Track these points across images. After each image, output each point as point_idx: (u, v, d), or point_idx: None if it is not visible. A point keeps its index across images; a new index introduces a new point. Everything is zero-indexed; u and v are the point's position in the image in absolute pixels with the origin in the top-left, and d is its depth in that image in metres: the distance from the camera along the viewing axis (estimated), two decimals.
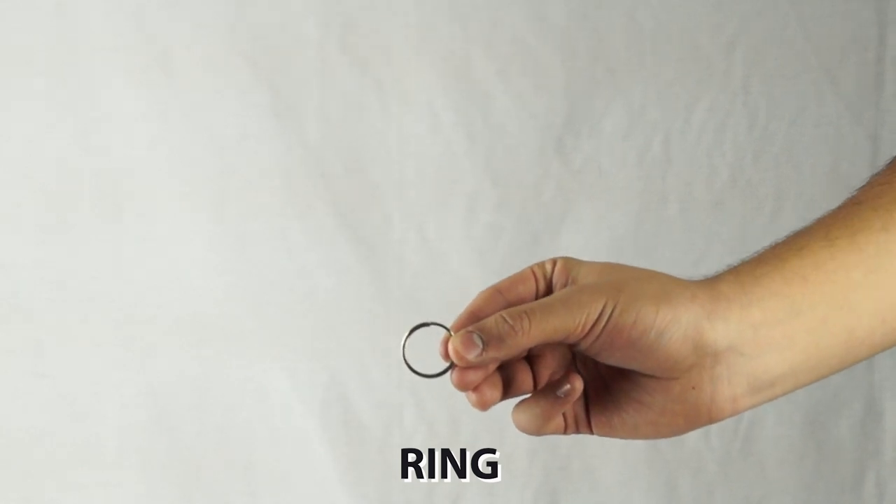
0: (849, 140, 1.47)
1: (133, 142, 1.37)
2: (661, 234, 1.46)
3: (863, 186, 0.74)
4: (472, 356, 0.66)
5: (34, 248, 1.36)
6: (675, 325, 0.66)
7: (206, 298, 1.39)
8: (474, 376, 0.67)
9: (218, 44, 1.38)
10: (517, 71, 1.43)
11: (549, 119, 1.43)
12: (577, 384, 0.67)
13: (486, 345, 0.66)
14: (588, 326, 0.65)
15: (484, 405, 0.68)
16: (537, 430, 0.69)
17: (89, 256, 1.37)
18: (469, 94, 1.42)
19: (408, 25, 1.41)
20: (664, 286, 0.67)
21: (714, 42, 1.45)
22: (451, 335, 0.67)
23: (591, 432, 0.70)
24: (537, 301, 0.67)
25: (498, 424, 1.42)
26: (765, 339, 0.67)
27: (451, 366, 0.67)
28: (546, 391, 0.68)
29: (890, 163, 0.76)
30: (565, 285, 0.69)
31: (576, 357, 0.71)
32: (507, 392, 0.69)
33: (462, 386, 0.67)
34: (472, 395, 0.68)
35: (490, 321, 0.66)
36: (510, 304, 0.68)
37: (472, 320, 0.67)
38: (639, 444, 1.46)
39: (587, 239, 1.44)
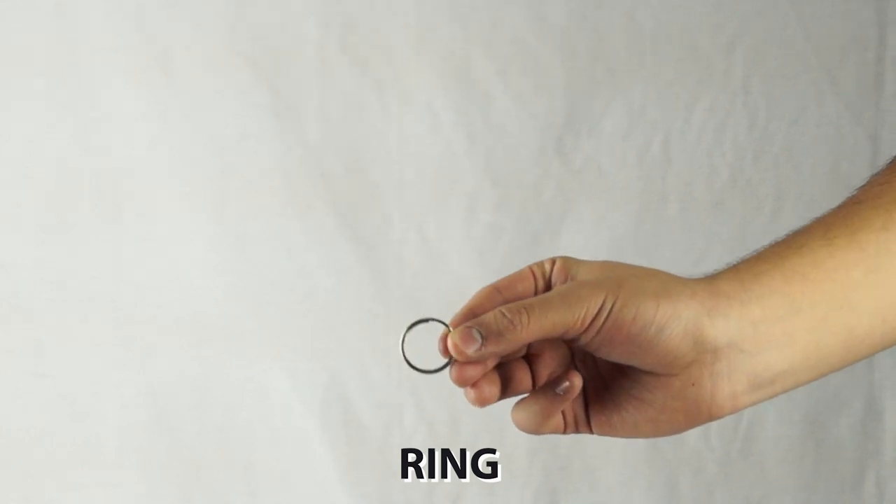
0: (849, 140, 1.47)
1: (133, 142, 1.37)
2: (661, 234, 1.46)
3: (862, 186, 0.74)
4: (471, 351, 0.66)
5: (34, 248, 1.36)
6: (675, 321, 0.66)
7: (206, 298, 1.39)
8: (473, 372, 0.67)
9: (218, 44, 1.38)
10: (517, 71, 1.43)
11: (549, 119, 1.43)
12: (577, 381, 0.67)
13: (485, 339, 0.66)
14: (587, 321, 0.65)
15: (482, 402, 0.68)
16: (536, 429, 0.69)
17: (89, 256, 1.37)
18: (469, 94, 1.42)
19: (408, 25, 1.41)
20: (664, 283, 0.67)
21: (714, 42, 1.45)
22: (449, 331, 0.67)
23: (591, 432, 0.70)
24: (536, 297, 0.67)
25: (498, 424, 1.42)
26: (765, 336, 0.67)
27: (450, 362, 0.67)
28: (545, 389, 0.68)
29: (890, 163, 0.76)
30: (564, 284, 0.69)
31: (574, 356, 0.71)
32: (506, 391, 0.69)
33: (461, 382, 0.67)
34: (471, 392, 0.68)
35: (489, 316, 0.66)
36: (508, 302, 0.68)
37: (471, 317, 0.68)
38: (639, 444, 1.46)
39: (587, 239, 1.44)
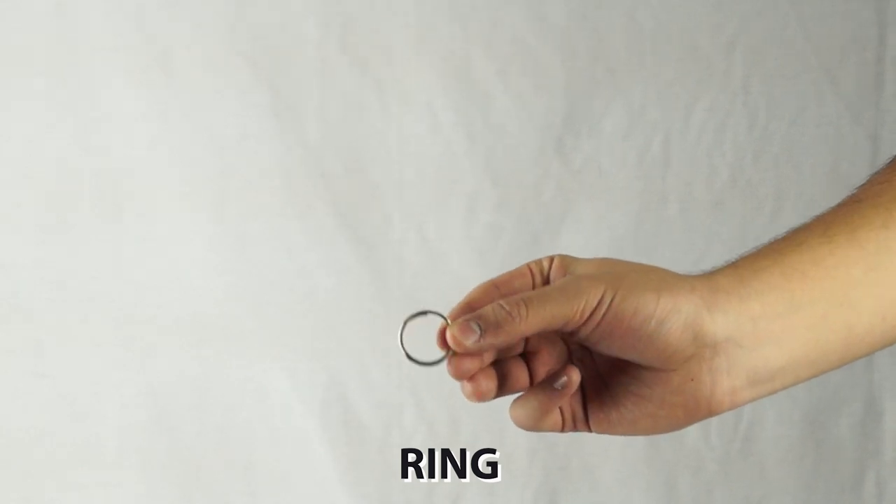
0: (849, 140, 1.47)
1: (133, 142, 1.37)
2: (661, 234, 1.46)
3: (862, 185, 0.74)
4: (469, 342, 0.66)
5: (34, 248, 1.36)
6: (675, 315, 0.66)
7: (206, 298, 1.39)
8: (470, 365, 0.67)
9: (218, 44, 1.38)
10: (517, 71, 1.43)
11: (548, 119, 1.43)
12: (574, 376, 0.67)
13: (483, 331, 0.66)
14: (587, 313, 0.65)
15: (479, 396, 0.68)
16: (534, 425, 0.69)
17: (89, 256, 1.37)
18: (469, 94, 1.42)
19: (408, 25, 1.41)
20: (664, 277, 0.67)
21: (714, 42, 1.45)
22: (448, 324, 0.67)
23: (589, 429, 0.70)
24: (535, 290, 0.67)
25: (498, 424, 1.42)
26: (764, 332, 0.67)
27: (448, 355, 0.67)
28: (543, 385, 0.68)
29: (890, 162, 0.76)
30: None
31: (572, 355, 0.71)
32: (504, 388, 0.69)
33: (458, 374, 0.67)
34: (468, 386, 0.68)
35: (487, 309, 0.66)
36: None
37: (468, 311, 0.68)
38: (638, 444, 1.46)
39: (587, 239, 1.44)
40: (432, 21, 1.41)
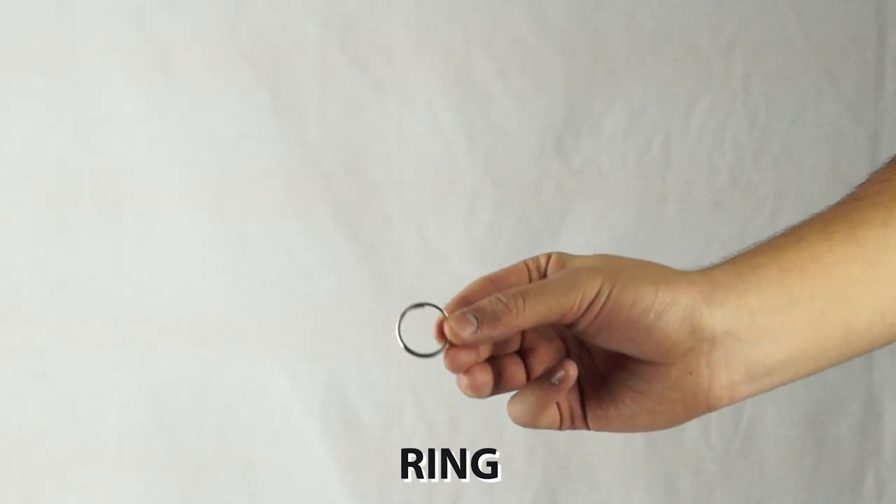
0: (849, 140, 1.47)
1: (133, 142, 1.37)
2: (661, 234, 1.46)
3: (862, 184, 0.74)
4: (466, 334, 0.66)
5: (34, 248, 1.36)
6: (674, 307, 0.66)
7: (206, 298, 1.39)
8: (467, 357, 0.67)
9: (218, 44, 1.38)
10: (517, 71, 1.43)
11: (548, 119, 1.44)
12: (571, 370, 0.67)
13: (480, 323, 0.66)
14: (584, 305, 0.65)
15: (475, 388, 0.68)
16: (532, 422, 0.69)
17: (89, 256, 1.37)
18: (469, 94, 1.42)
19: (408, 25, 1.41)
20: (662, 271, 0.67)
21: (714, 42, 1.45)
22: (445, 316, 0.67)
23: (587, 427, 0.70)
24: (533, 283, 0.67)
25: (498, 424, 1.42)
26: (762, 326, 0.67)
27: (445, 347, 0.67)
28: (541, 379, 0.68)
29: (889, 161, 0.76)
30: None
31: (570, 352, 0.71)
32: (501, 386, 0.69)
33: (454, 367, 0.67)
34: (464, 379, 0.68)
35: (485, 301, 0.67)
36: None
37: (464, 305, 0.68)
38: (638, 444, 1.46)
39: (587, 239, 1.44)
40: (432, 21, 1.41)
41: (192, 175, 1.38)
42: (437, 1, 1.41)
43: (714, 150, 1.46)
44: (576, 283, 0.66)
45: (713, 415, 1.46)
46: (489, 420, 1.42)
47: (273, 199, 1.39)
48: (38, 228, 1.36)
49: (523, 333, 0.70)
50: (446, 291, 1.46)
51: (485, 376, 0.68)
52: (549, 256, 0.70)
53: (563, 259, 0.70)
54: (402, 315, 0.70)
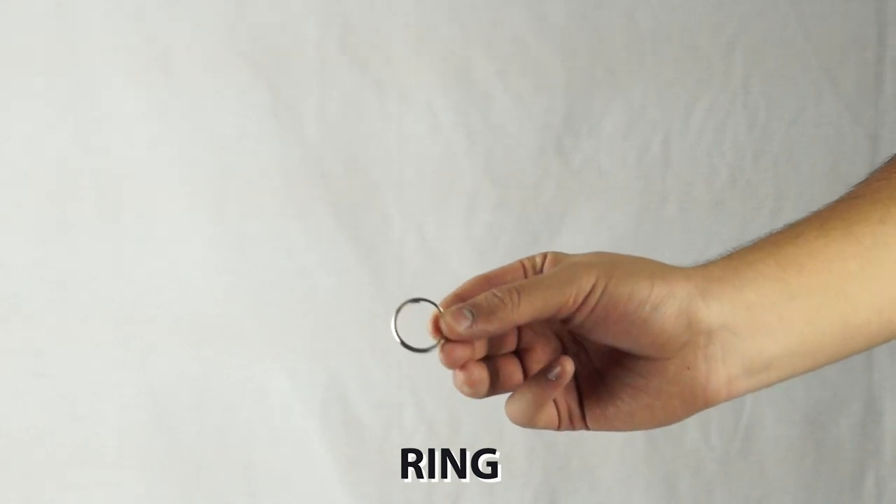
0: (848, 140, 1.47)
1: (133, 142, 1.37)
2: (660, 234, 1.46)
3: (861, 182, 0.74)
4: (462, 328, 0.66)
5: (34, 248, 1.36)
6: (670, 300, 0.66)
7: (206, 298, 1.39)
8: (462, 352, 0.67)
9: (218, 44, 1.38)
10: (517, 71, 1.43)
11: (548, 119, 1.44)
12: (568, 366, 0.67)
13: (475, 317, 0.66)
14: (580, 299, 0.65)
15: (471, 384, 0.68)
16: (530, 420, 0.69)
17: (89, 256, 1.37)
18: (469, 94, 1.42)
19: (408, 25, 1.41)
20: (658, 266, 0.68)
21: (714, 42, 1.46)
22: (440, 311, 0.67)
23: (586, 427, 0.70)
24: (528, 279, 0.67)
25: (498, 424, 1.42)
26: (759, 320, 0.67)
27: (440, 343, 0.67)
28: (537, 376, 0.68)
29: (889, 160, 0.76)
30: None
31: (567, 350, 0.71)
32: (498, 386, 0.69)
33: (449, 362, 0.67)
34: (460, 375, 0.68)
35: (480, 297, 0.67)
36: None
37: (460, 302, 0.68)
38: (638, 444, 1.46)
39: (587, 239, 1.44)
40: (432, 21, 1.41)
41: (192, 175, 1.38)
42: (437, 1, 1.41)
43: (714, 150, 1.46)
44: (571, 277, 0.66)
45: (713, 415, 1.46)
46: (489, 420, 1.42)
47: (273, 199, 1.39)
48: (38, 228, 1.36)
49: (520, 333, 0.70)
50: (446, 291, 1.47)
51: (481, 372, 0.68)
52: (544, 256, 0.70)
53: (559, 258, 0.70)
54: (398, 310, 0.70)
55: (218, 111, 1.38)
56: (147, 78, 1.37)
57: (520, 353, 0.70)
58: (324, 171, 1.40)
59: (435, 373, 0.73)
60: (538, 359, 0.70)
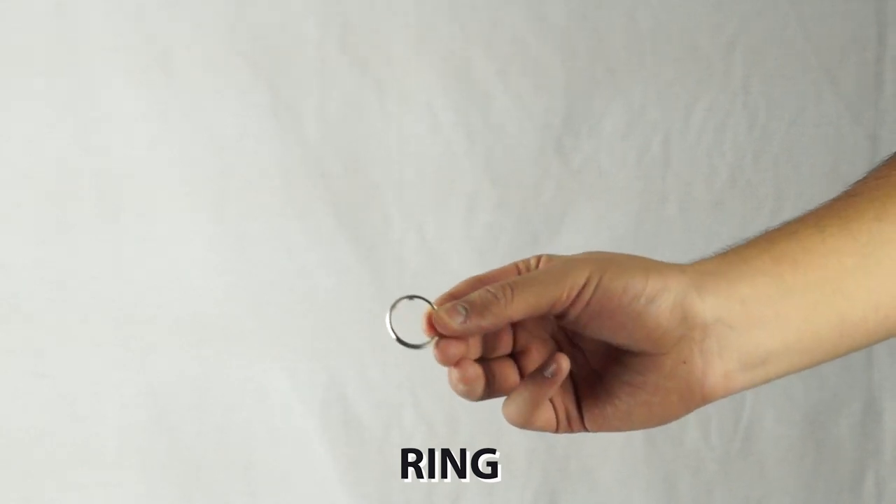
0: (848, 140, 1.47)
1: (133, 142, 1.37)
2: (660, 234, 1.46)
3: (858, 181, 0.74)
4: (456, 323, 0.66)
5: (34, 248, 1.36)
6: (665, 293, 0.66)
7: (206, 298, 1.39)
8: (456, 349, 0.67)
9: (218, 44, 1.38)
10: (517, 71, 1.43)
11: (548, 119, 1.44)
12: (564, 363, 0.67)
13: (469, 313, 0.66)
14: (574, 293, 0.66)
15: (466, 382, 0.68)
16: (527, 420, 0.69)
17: (89, 256, 1.37)
18: (469, 94, 1.42)
19: (408, 25, 1.41)
20: (652, 261, 0.68)
21: (714, 42, 1.46)
22: (434, 308, 0.67)
23: (584, 428, 0.70)
24: (522, 275, 0.68)
25: (497, 424, 1.41)
26: (754, 314, 0.68)
27: (434, 340, 0.67)
28: (533, 375, 0.68)
29: (887, 159, 0.76)
30: None
31: (562, 352, 0.71)
32: (494, 388, 0.69)
33: (444, 359, 0.67)
34: (454, 372, 0.68)
35: (474, 294, 0.67)
36: None
37: (453, 300, 0.68)
38: (638, 444, 1.46)
39: (587, 239, 1.44)
40: (432, 21, 1.41)
41: (192, 175, 1.38)
42: (437, 1, 1.41)
43: (714, 150, 1.46)
44: (565, 272, 0.66)
45: (713, 415, 1.46)
46: (489, 420, 1.42)
47: (273, 199, 1.39)
48: (38, 228, 1.36)
49: (515, 335, 0.70)
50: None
51: (475, 370, 0.68)
52: (538, 258, 0.70)
53: (554, 260, 0.70)
54: (393, 306, 0.70)
55: (218, 111, 1.38)
56: (147, 78, 1.37)
57: (515, 356, 0.70)
58: (324, 171, 1.40)
59: (435, 373, 0.73)
60: (534, 360, 0.70)
